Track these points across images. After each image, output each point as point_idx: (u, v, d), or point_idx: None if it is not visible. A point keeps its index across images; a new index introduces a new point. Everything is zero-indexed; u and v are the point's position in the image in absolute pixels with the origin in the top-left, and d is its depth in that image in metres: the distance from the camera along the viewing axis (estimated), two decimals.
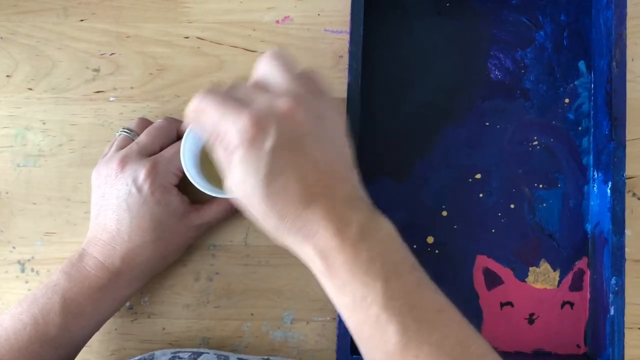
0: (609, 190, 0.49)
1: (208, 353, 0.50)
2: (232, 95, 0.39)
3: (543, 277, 0.53)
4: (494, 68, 0.55)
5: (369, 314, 0.36)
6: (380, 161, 0.54)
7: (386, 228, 0.39)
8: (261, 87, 0.40)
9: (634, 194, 0.54)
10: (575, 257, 0.53)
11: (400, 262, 0.38)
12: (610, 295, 0.48)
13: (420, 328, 0.36)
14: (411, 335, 0.35)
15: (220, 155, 0.39)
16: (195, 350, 0.51)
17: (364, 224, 0.37)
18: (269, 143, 0.37)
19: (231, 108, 0.38)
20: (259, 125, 0.37)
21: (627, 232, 0.53)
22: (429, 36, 0.55)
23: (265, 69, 0.41)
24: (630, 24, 0.53)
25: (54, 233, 0.56)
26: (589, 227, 0.53)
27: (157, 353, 0.50)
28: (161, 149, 0.51)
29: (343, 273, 0.37)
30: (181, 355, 0.50)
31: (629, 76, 0.51)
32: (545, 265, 0.53)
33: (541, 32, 0.55)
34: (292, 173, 0.37)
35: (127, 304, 0.55)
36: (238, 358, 0.50)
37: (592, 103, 0.54)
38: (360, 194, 0.40)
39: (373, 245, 0.37)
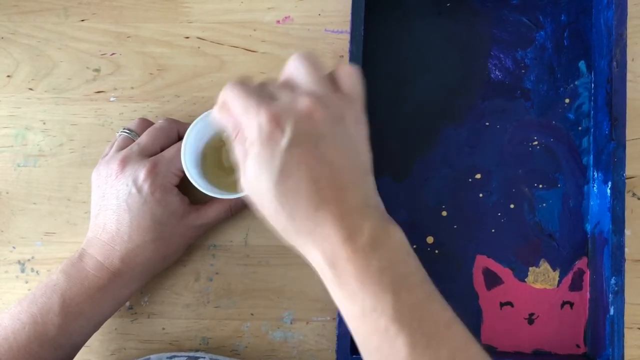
0: (609, 190, 0.49)
1: (204, 358, 0.50)
2: (258, 91, 0.39)
3: (543, 277, 0.53)
4: (494, 68, 0.55)
5: (378, 326, 0.35)
6: (380, 161, 0.54)
7: (397, 237, 0.38)
8: (288, 86, 0.40)
9: (634, 194, 0.54)
10: (575, 257, 0.53)
11: (410, 273, 0.37)
12: (610, 295, 0.48)
13: (429, 343, 0.35)
14: (420, 350, 0.35)
15: (237, 151, 0.39)
16: (191, 354, 0.51)
17: (375, 233, 0.37)
18: (284, 141, 0.37)
19: (254, 103, 0.38)
20: (277, 122, 0.37)
21: (627, 232, 0.53)
22: (429, 36, 0.55)
23: (292, 70, 0.40)
24: (631, 24, 0.53)
25: (54, 233, 0.56)
26: (588, 227, 0.53)
27: (153, 357, 0.50)
28: (161, 150, 0.51)
29: (353, 283, 0.36)
30: (177, 359, 0.50)
31: (629, 76, 0.51)
32: (545, 265, 0.53)
33: (541, 32, 0.55)
34: (304, 173, 0.37)
35: (127, 304, 0.55)
36: None
37: (592, 103, 0.54)
38: (374, 201, 0.39)
39: (384, 255, 0.36)
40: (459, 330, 0.37)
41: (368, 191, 0.39)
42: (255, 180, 0.38)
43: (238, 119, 0.39)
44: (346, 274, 0.36)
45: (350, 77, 0.41)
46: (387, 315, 0.35)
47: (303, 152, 0.37)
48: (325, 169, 0.37)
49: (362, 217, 0.37)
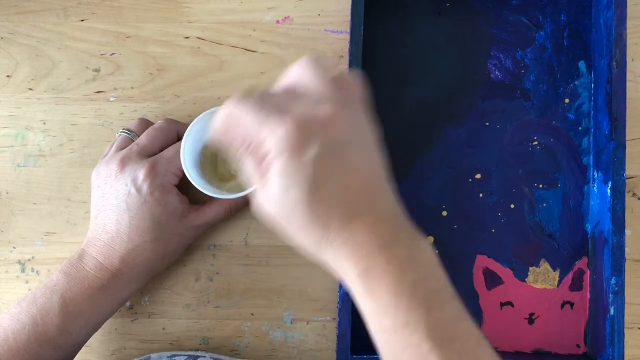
0: (609, 190, 0.49)
1: (204, 356, 0.50)
2: (267, 101, 0.37)
3: (543, 277, 0.53)
4: (494, 68, 0.55)
5: (410, 342, 0.34)
6: None
7: (429, 250, 0.37)
8: (292, 94, 0.38)
9: (634, 194, 0.54)
10: (575, 257, 0.53)
11: (441, 289, 0.36)
12: (610, 295, 0.48)
13: None
14: None
15: (249, 168, 0.37)
16: (191, 353, 0.51)
17: (410, 244, 0.36)
18: (312, 151, 0.35)
19: (272, 115, 0.35)
20: (303, 133, 0.35)
21: (627, 232, 0.53)
22: (429, 36, 0.55)
23: (298, 75, 0.38)
24: (630, 24, 0.53)
25: (54, 233, 0.56)
26: (589, 227, 0.53)
27: (154, 356, 0.50)
28: (161, 150, 0.51)
29: (386, 295, 0.35)
30: (177, 358, 0.50)
31: (629, 76, 0.51)
32: (545, 265, 0.53)
33: (541, 32, 0.55)
34: (336, 182, 0.35)
35: (127, 304, 0.55)
36: None
37: (592, 103, 0.54)
38: (401, 210, 0.38)
39: (417, 268, 0.35)
40: (488, 349, 0.36)
41: (394, 199, 0.38)
42: (283, 194, 0.35)
43: (251, 133, 0.36)
44: (379, 285, 0.35)
45: (355, 83, 0.40)
46: (420, 332, 0.34)
47: (332, 161, 0.35)
48: (354, 177, 0.36)
49: (395, 226, 0.36)
